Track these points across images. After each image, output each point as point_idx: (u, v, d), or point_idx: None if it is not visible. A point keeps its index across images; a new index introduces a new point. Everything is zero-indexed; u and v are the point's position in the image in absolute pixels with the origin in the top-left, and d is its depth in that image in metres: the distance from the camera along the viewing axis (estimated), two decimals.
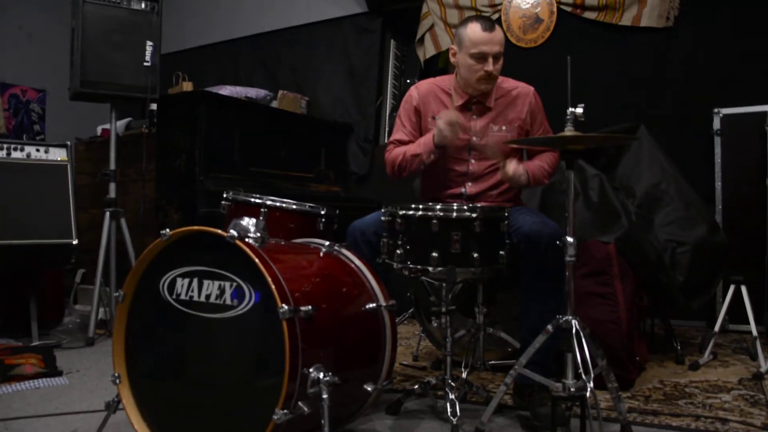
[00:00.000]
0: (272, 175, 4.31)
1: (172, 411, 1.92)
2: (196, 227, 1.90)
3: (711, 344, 3.12)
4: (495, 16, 4.64)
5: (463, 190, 2.63)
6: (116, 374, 1.99)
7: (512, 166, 2.49)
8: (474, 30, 2.50)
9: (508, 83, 2.70)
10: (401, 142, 2.67)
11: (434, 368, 3.04)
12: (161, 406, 1.95)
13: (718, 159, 3.88)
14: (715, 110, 3.88)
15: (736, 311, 3.23)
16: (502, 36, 2.55)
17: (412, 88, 2.76)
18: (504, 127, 2.63)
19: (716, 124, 3.88)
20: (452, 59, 2.66)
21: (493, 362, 2.79)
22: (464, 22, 2.59)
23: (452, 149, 2.61)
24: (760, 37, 3.84)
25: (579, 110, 2.01)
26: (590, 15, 4.32)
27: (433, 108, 2.66)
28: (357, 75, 5.21)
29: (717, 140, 3.88)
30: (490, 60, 2.50)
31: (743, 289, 3.12)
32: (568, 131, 2.00)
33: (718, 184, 3.87)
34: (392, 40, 5.20)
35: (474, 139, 2.63)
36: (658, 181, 3.30)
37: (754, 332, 3.06)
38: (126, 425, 1.96)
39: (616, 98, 4.14)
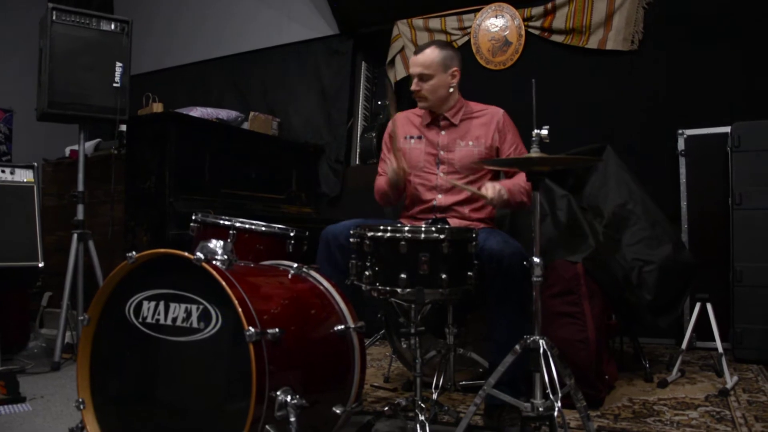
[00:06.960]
0: (243, 197, 4.29)
1: None
2: (162, 250, 1.89)
3: (679, 362, 3.16)
4: (464, 39, 4.71)
5: (434, 202, 2.74)
6: (80, 399, 1.96)
7: (489, 185, 2.53)
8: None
9: (477, 105, 2.86)
10: (385, 172, 2.79)
11: (405, 389, 3.03)
12: (127, 431, 1.91)
13: (683, 179, 3.95)
14: (680, 131, 3.96)
15: (703, 329, 3.28)
16: (428, 59, 2.74)
17: (391, 120, 2.91)
18: (470, 143, 2.76)
19: (681, 144, 3.96)
20: None
21: (463, 383, 2.79)
22: None
23: (422, 162, 2.78)
24: (721, 60, 3.95)
25: (544, 132, 2.06)
26: (558, 38, 4.41)
27: (404, 128, 2.87)
28: (328, 96, 5.22)
29: (682, 160, 3.95)
30: (415, 80, 2.77)
31: (709, 306, 3.18)
32: (534, 153, 2.03)
33: (684, 204, 3.94)
34: (363, 62, 5.24)
35: (441, 153, 2.77)
36: (624, 201, 3.34)
37: (720, 349, 3.11)
38: None
39: (584, 119, 4.22)
